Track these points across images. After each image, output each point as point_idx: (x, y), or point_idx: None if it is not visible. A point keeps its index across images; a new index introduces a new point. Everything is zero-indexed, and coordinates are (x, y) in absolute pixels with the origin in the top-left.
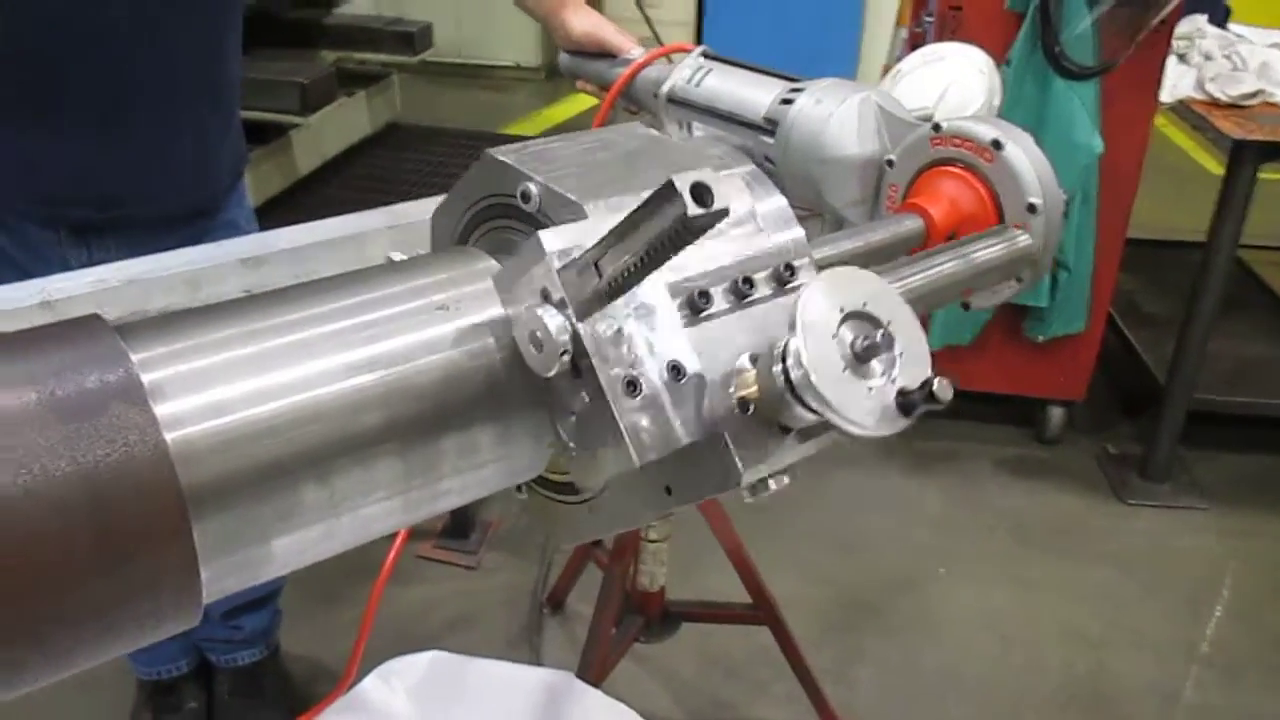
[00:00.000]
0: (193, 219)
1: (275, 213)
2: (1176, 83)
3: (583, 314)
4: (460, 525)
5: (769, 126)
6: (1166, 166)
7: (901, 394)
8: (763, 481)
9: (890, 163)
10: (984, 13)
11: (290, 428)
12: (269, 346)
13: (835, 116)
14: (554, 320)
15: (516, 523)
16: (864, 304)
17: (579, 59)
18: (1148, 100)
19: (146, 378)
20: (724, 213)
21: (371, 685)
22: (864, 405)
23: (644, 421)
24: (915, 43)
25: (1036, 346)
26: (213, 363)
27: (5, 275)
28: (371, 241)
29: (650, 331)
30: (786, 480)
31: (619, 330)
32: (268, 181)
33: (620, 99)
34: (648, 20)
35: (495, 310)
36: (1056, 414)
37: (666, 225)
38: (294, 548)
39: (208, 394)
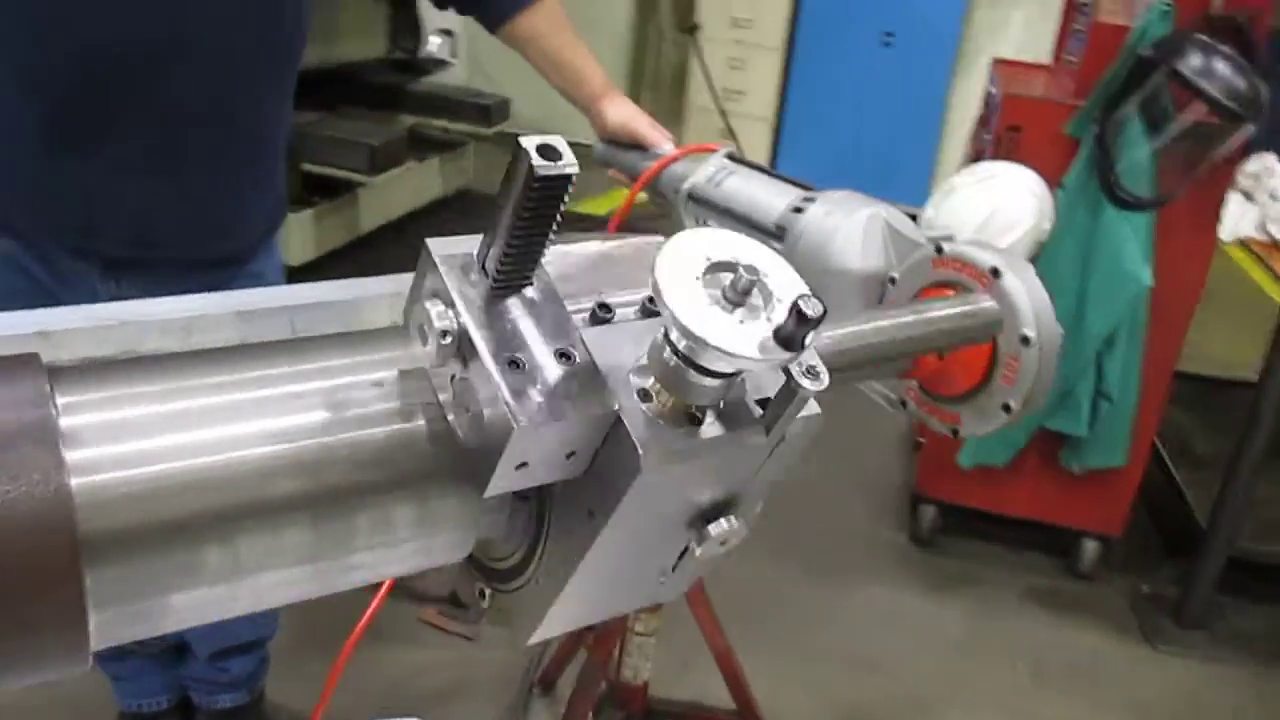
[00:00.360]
0: (222, 265)
1: (333, 265)
2: (1239, 220)
3: (474, 309)
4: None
5: (779, 232)
6: (1231, 298)
7: (778, 328)
8: (704, 526)
9: (893, 280)
10: (1042, 135)
11: (199, 487)
12: (193, 405)
13: (842, 230)
14: (436, 308)
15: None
16: (724, 255)
17: (613, 148)
18: (1206, 236)
19: (66, 422)
20: (570, 174)
21: None
22: (744, 338)
23: (530, 391)
24: (975, 158)
25: (1074, 476)
26: (134, 415)
27: (37, 300)
28: (371, 307)
29: (545, 328)
30: (742, 530)
31: (513, 323)
32: (331, 235)
33: (646, 191)
34: (723, 114)
35: (430, 396)
36: (1091, 547)
37: (521, 188)
38: (192, 605)
39: (122, 446)
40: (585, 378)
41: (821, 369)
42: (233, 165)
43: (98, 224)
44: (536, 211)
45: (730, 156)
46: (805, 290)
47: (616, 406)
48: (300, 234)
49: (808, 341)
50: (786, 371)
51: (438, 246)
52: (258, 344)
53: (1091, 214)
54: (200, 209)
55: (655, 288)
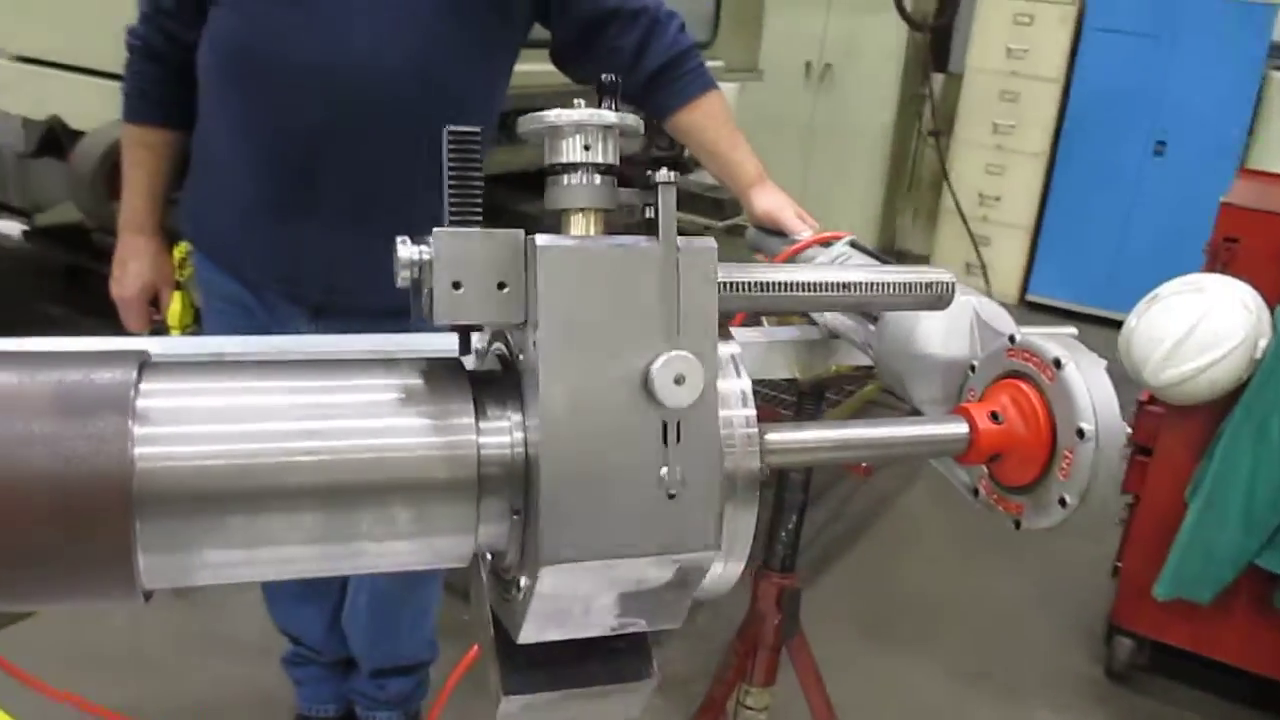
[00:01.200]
0: (406, 314)
1: None
2: None
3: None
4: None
5: (875, 316)
6: None
7: None
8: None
9: (973, 368)
10: (1262, 249)
11: (230, 470)
12: (240, 403)
13: (928, 317)
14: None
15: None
16: None
17: (760, 234)
18: None
19: (142, 403)
20: (473, 131)
21: None
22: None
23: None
24: None
25: None
26: (194, 405)
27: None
28: None
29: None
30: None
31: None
32: None
33: None
34: (963, 218)
35: (439, 420)
36: None
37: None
38: (222, 563)
39: (178, 428)
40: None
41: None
42: (415, 225)
43: (304, 274)
44: (460, 160)
45: (853, 244)
46: None
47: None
48: None
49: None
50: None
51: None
52: (316, 360)
53: None
54: (386, 264)
55: None
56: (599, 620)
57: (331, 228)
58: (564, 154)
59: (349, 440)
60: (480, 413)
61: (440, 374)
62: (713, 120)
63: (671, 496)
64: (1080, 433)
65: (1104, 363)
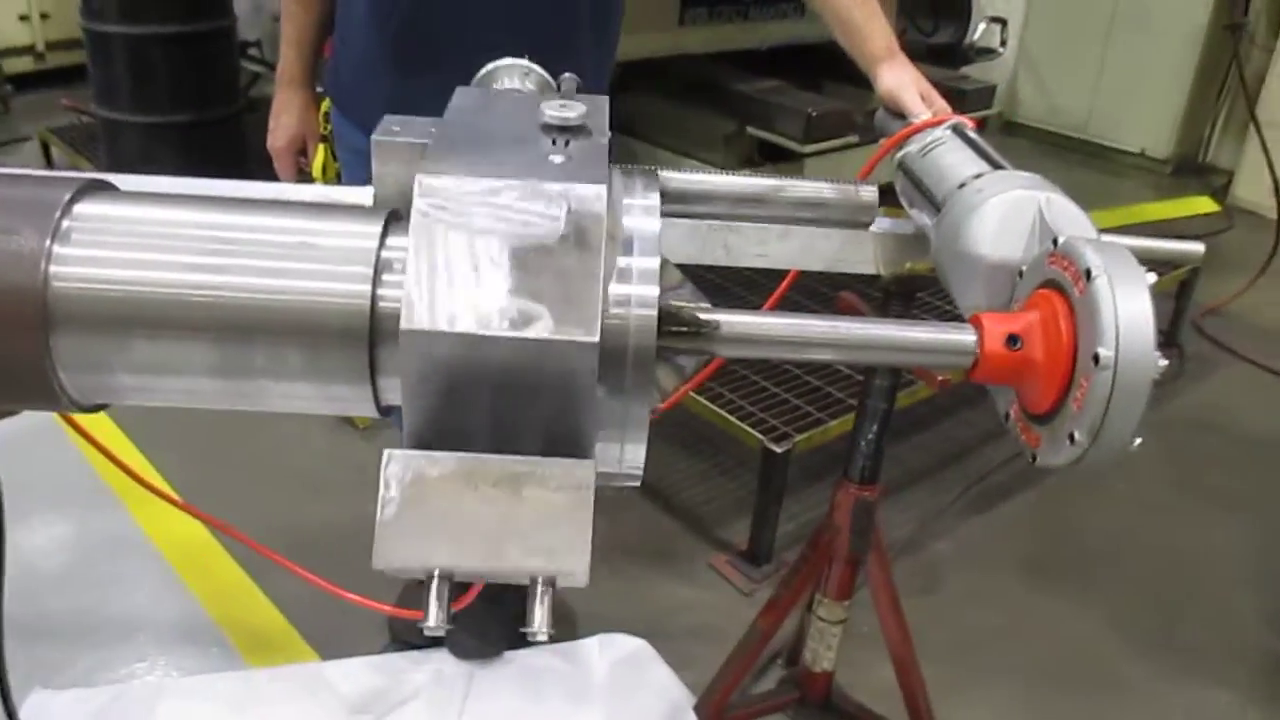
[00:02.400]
0: None
1: None
2: None
3: None
4: (759, 553)
5: (939, 207)
6: None
7: None
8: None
9: (1021, 274)
10: None
11: (133, 297)
12: (158, 233)
13: (980, 210)
14: None
15: None
16: None
17: (885, 115)
18: None
19: (67, 223)
20: None
21: (588, 646)
22: None
23: None
24: None
25: None
26: (115, 231)
27: None
28: None
29: None
30: None
31: None
32: None
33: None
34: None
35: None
36: None
37: None
38: (136, 386)
39: (93, 251)
40: None
41: None
42: None
43: None
44: None
45: (954, 129)
46: None
47: None
48: None
49: None
50: None
51: None
52: (243, 199)
53: None
54: None
55: None
56: None
57: (448, 84)
58: None
59: (241, 278)
60: (384, 265)
61: (354, 224)
62: None
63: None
64: (1096, 359)
65: (1150, 279)
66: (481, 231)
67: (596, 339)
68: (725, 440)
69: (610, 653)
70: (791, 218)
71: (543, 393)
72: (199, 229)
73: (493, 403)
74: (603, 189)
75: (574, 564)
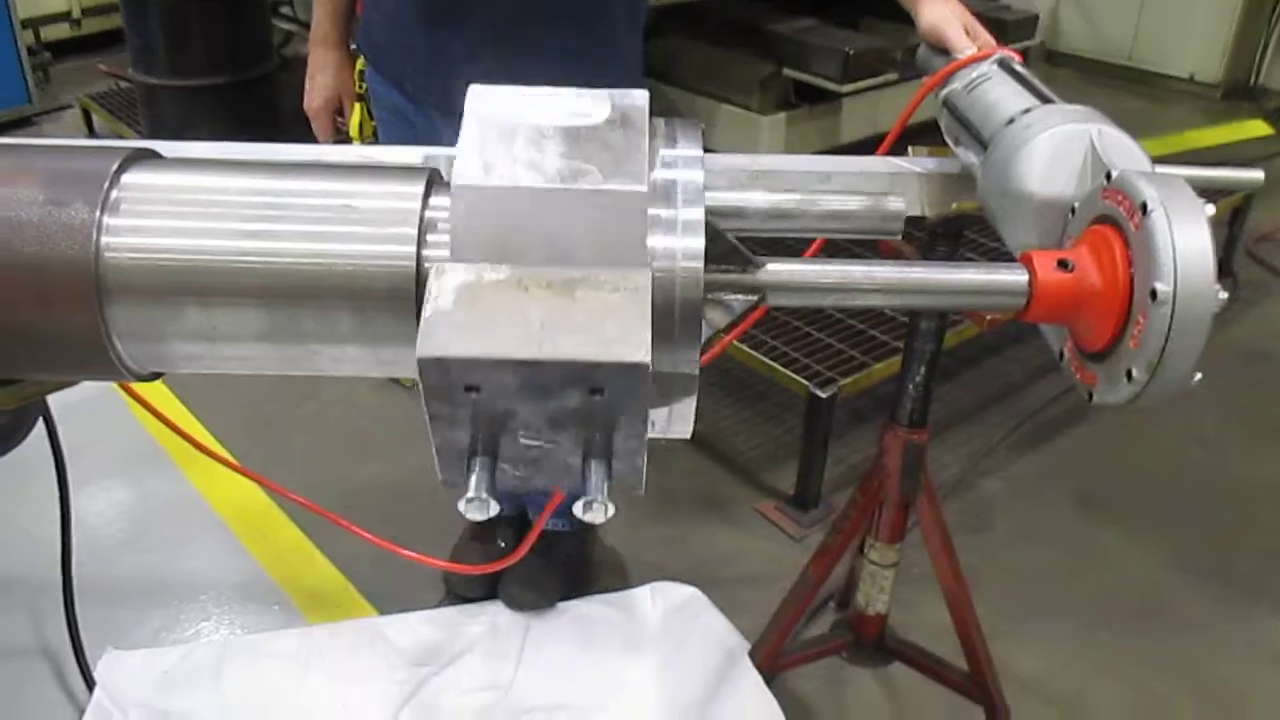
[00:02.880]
0: None
1: None
2: None
3: None
4: (806, 498)
5: (986, 145)
6: None
7: None
8: None
9: (1073, 210)
10: None
11: (183, 265)
12: (206, 201)
13: (1029, 146)
14: None
15: None
16: None
17: (928, 52)
18: None
19: (116, 194)
20: None
21: (640, 595)
22: None
23: None
24: None
25: None
26: (163, 200)
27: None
28: None
29: None
30: None
31: None
32: (804, 140)
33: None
34: None
35: (380, 228)
36: None
37: None
38: (191, 354)
39: (143, 221)
40: None
41: None
42: (551, 47)
43: (454, 87)
44: None
45: (1000, 63)
46: None
47: None
48: (772, 135)
49: None
50: None
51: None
52: (287, 163)
53: None
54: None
55: None
56: None
57: (477, 42)
58: None
59: (287, 243)
60: (428, 225)
61: (396, 185)
62: None
63: None
64: (1154, 294)
65: (1208, 210)
66: (533, 115)
67: (644, 188)
68: (768, 386)
69: (663, 601)
70: (819, 229)
71: (591, 244)
72: (245, 195)
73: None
74: (645, 93)
75: (632, 351)
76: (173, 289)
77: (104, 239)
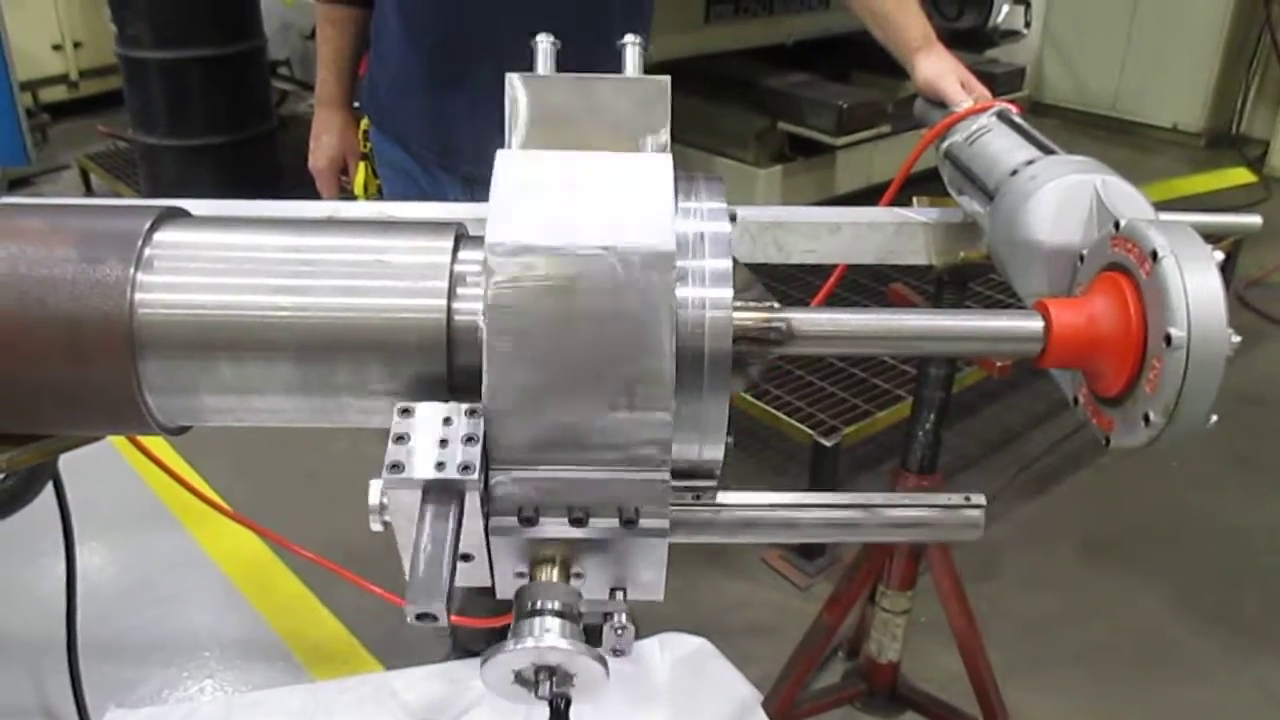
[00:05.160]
0: None
1: None
2: None
3: None
4: (810, 546)
5: (992, 196)
6: None
7: None
8: None
9: (1082, 258)
10: None
11: (216, 320)
12: (237, 258)
13: (1036, 196)
14: None
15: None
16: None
17: (925, 105)
18: None
19: (149, 251)
20: None
21: (648, 646)
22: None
23: None
24: None
25: None
26: (194, 257)
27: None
28: None
29: None
30: None
31: None
32: (800, 192)
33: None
34: None
35: (412, 283)
36: None
37: None
38: (221, 407)
39: (176, 278)
40: None
41: None
42: None
43: (455, 144)
44: None
45: (1000, 115)
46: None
47: None
48: (768, 187)
49: None
50: None
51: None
52: (315, 220)
53: None
54: None
55: None
56: None
57: (481, 101)
58: None
59: (320, 298)
60: (458, 279)
61: (426, 240)
62: None
63: None
64: (1169, 339)
65: (1217, 258)
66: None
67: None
68: (770, 435)
69: (672, 652)
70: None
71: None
72: (276, 251)
73: None
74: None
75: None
76: (206, 343)
77: (138, 295)
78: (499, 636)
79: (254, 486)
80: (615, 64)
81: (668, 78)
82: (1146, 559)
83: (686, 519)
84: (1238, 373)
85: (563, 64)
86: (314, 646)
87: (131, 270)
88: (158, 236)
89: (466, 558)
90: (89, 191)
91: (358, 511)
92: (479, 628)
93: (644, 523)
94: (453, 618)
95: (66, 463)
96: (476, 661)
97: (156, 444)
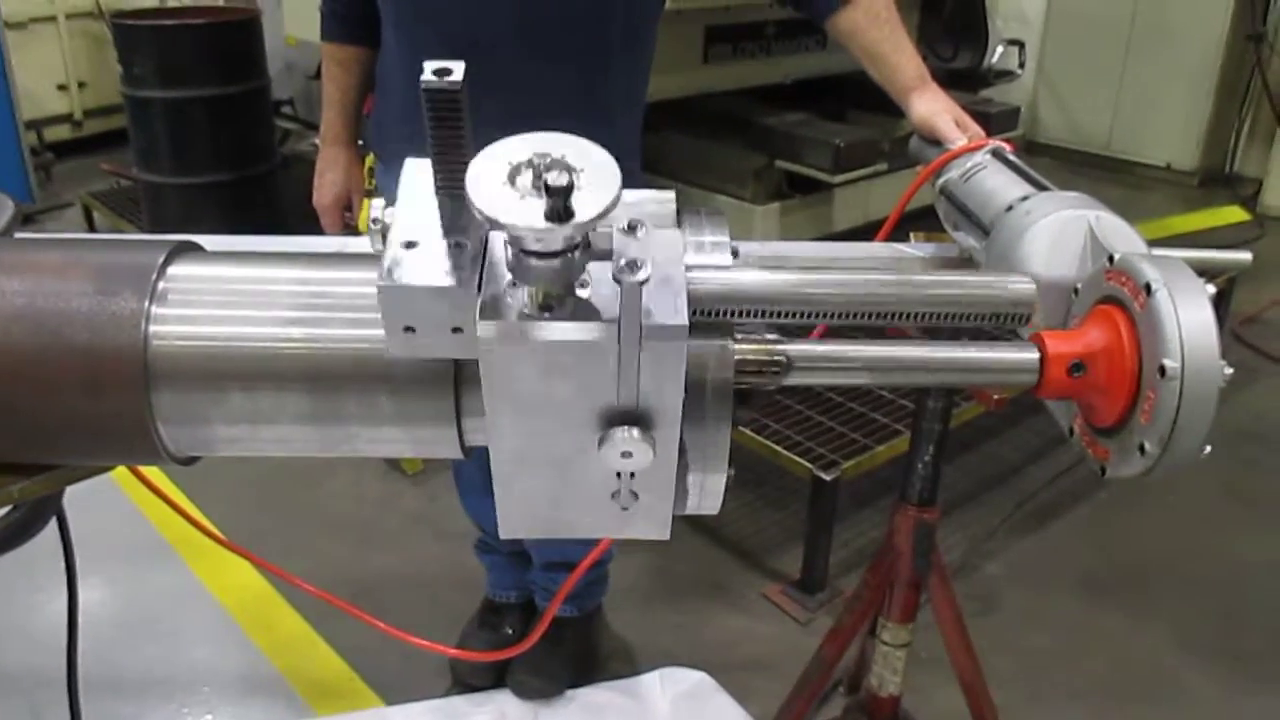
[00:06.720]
0: None
1: None
2: None
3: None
4: (812, 581)
5: (987, 232)
6: None
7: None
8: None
9: (1076, 291)
10: None
11: (229, 352)
12: (249, 291)
13: (1031, 231)
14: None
15: None
16: (535, 153)
17: (920, 143)
18: None
19: (163, 285)
20: (451, 88)
21: (649, 680)
22: (525, 211)
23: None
24: None
25: None
26: (206, 290)
27: None
28: None
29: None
30: (648, 452)
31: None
32: (797, 229)
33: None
34: None
35: None
36: None
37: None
38: (233, 437)
39: (189, 310)
40: (465, 260)
41: (644, 262)
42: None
43: None
44: (439, 120)
45: (994, 153)
46: (583, 166)
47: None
48: (765, 224)
49: (574, 211)
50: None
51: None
52: (326, 255)
53: None
54: None
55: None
56: None
57: (486, 136)
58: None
59: (330, 330)
60: None
61: None
62: (873, 20)
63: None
64: (1163, 370)
65: (1209, 291)
66: None
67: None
68: (769, 470)
69: (672, 687)
70: None
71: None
72: (288, 284)
73: None
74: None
75: None
76: (218, 374)
77: (152, 327)
78: (499, 672)
79: (253, 521)
80: (614, 97)
81: None
82: (1145, 594)
83: None
84: (1234, 409)
85: (564, 97)
86: (314, 682)
87: (146, 303)
88: (171, 270)
89: None
90: (91, 229)
91: (358, 546)
92: (479, 662)
93: None
94: (452, 651)
95: (67, 497)
96: (477, 697)
97: (157, 477)
